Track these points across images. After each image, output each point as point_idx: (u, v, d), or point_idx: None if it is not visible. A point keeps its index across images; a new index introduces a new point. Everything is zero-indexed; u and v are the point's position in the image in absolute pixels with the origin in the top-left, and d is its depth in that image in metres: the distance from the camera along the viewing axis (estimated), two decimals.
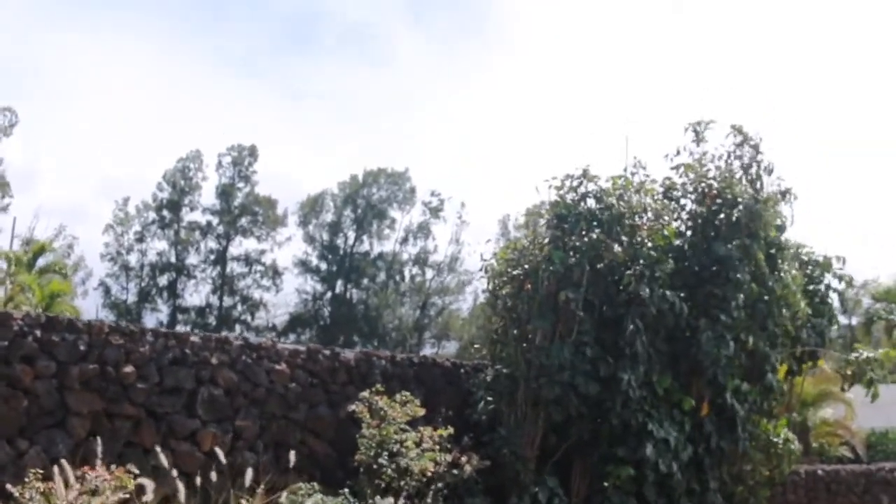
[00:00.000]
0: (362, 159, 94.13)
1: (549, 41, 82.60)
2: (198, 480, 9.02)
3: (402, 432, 11.03)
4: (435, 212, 66.23)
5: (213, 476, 8.98)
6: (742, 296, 13.03)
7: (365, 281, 65.84)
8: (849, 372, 15.03)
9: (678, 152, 14.36)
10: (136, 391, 9.89)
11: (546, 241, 12.46)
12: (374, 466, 10.62)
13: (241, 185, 65.82)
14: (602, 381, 11.90)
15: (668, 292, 12.24)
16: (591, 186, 12.69)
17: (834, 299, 15.93)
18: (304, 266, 66.40)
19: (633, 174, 13.82)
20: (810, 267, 15.70)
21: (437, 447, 10.99)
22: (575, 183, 12.69)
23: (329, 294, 66.22)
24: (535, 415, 11.92)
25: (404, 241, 66.52)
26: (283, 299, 66.23)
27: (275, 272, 65.96)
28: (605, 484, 12.00)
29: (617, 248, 12.56)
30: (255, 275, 65.89)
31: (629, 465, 11.92)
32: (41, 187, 73.21)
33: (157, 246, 64.75)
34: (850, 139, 78.78)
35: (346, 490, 10.67)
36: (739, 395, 13.21)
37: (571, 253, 12.17)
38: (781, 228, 14.41)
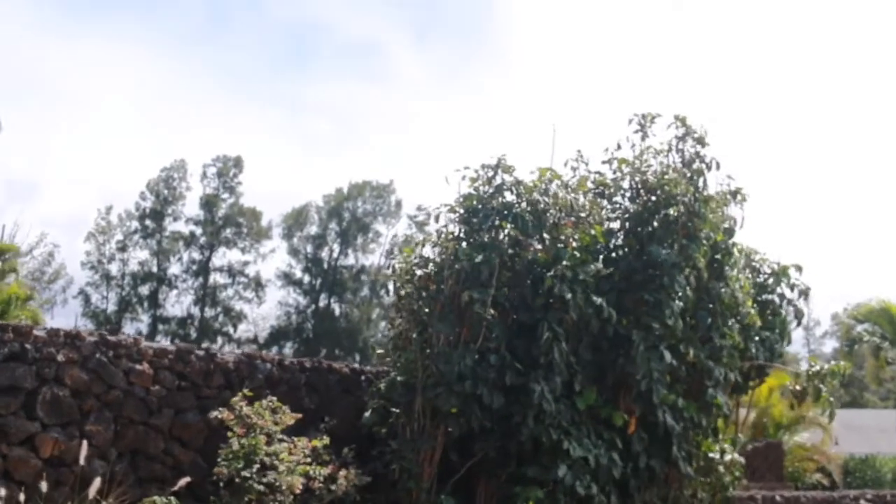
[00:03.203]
0: (350, 173, 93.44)
1: (549, 62, 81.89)
2: (42, 487, 8.02)
3: (278, 443, 9.86)
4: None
5: (52, 485, 7.93)
6: (679, 303, 11.85)
7: (348, 294, 64.78)
8: (798, 388, 13.82)
9: (619, 146, 13.17)
10: None
11: (453, 237, 11.29)
12: (237, 480, 9.42)
13: (225, 195, 65.09)
14: (510, 392, 10.72)
15: (593, 296, 11.09)
16: (507, 178, 11.51)
17: (789, 312, 14.74)
18: (287, 278, 65.56)
19: (573, 168, 12.78)
20: (762, 275, 14.54)
21: (310, 460, 9.80)
22: (490, 174, 11.53)
23: (312, 307, 65.16)
24: (434, 428, 10.72)
25: (389, 254, 65.49)
26: (266, 311, 65.39)
27: (258, 284, 65.11)
28: None
29: (537, 245, 11.46)
30: (237, 286, 65.10)
31: (539, 486, 10.68)
32: (40, 198, 72.70)
33: (139, 255, 64.06)
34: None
35: None
36: (675, 411, 12.01)
37: (481, 250, 11.00)
38: (730, 232, 13.22)
